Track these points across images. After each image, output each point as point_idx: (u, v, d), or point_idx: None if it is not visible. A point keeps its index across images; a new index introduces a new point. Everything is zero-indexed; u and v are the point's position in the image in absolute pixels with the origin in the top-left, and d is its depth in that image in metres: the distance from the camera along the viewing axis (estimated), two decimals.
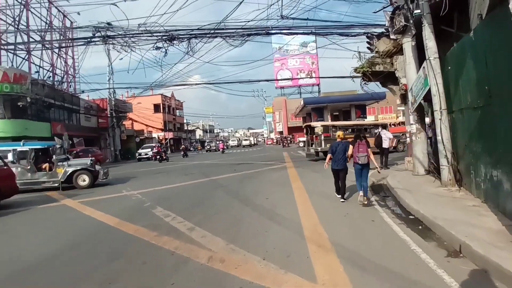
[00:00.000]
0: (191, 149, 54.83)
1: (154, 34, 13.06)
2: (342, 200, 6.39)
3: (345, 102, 32.85)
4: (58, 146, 11.40)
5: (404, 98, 9.73)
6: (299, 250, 3.93)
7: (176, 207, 6.90)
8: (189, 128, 71.84)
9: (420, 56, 8.11)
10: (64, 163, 11.09)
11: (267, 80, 21.91)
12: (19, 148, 10.62)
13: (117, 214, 6.58)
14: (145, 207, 7.20)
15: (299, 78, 51.49)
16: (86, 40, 14.46)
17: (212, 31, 12.59)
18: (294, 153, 25.41)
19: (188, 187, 10.41)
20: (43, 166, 11.02)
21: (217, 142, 50.26)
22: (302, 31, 11.67)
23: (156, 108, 52.07)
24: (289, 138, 46.29)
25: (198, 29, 12.95)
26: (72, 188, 11.00)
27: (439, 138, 6.59)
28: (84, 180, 11.04)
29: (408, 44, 8.18)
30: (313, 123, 18.21)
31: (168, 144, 51.63)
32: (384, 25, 11.41)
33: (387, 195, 7.09)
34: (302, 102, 35.38)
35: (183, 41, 12.93)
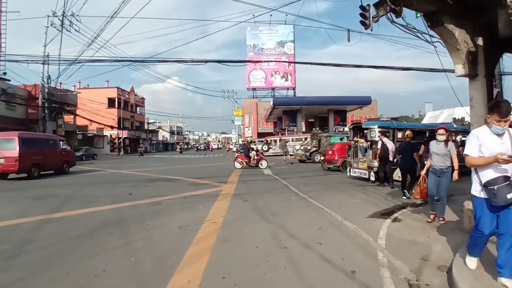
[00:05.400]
0: (202, 149, 59.36)
1: None
2: (407, 197, 6.76)
3: (322, 106, 27.40)
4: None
5: (474, 62, 4.02)
6: None
7: None
8: (151, 128, 64.56)
9: None
10: None
11: (239, 61, 16.19)
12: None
13: None
14: None
15: (277, 60, 45.78)
16: None
17: None
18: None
19: None
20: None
21: (205, 144, 71.37)
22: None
23: (111, 102, 45.38)
24: None
25: None
26: None
27: None
28: None
29: None
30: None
31: (122, 144, 44.72)
32: None
33: None
34: (272, 103, 29.75)
35: None
